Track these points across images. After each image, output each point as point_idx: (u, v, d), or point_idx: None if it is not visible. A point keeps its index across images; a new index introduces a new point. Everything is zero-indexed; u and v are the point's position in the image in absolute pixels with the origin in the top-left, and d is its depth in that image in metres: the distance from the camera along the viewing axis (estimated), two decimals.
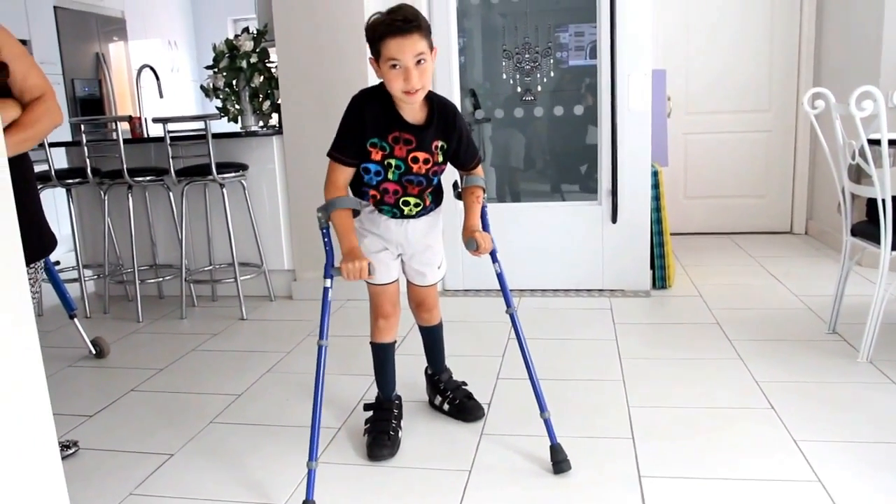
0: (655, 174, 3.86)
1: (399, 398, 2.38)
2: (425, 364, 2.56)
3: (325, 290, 2.03)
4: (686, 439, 2.26)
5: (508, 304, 2.17)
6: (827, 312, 3.21)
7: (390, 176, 2.06)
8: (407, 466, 2.17)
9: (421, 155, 2.05)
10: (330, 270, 2.02)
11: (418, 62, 1.88)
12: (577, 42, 3.95)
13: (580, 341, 3.22)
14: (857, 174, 2.98)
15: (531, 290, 4.01)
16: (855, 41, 4.37)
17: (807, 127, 5.07)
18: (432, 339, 2.47)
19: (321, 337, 2.00)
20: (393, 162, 2.04)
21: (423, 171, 2.07)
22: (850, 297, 3.28)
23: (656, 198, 3.88)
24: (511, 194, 4.24)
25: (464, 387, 2.50)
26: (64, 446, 2.31)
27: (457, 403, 2.45)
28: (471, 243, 2.07)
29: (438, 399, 2.50)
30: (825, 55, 4.89)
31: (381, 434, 2.25)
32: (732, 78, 5.20)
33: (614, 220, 3.85)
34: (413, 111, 2.00)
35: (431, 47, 1.92)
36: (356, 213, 2.09)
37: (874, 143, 2.69)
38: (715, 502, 1.90)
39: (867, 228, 2.90)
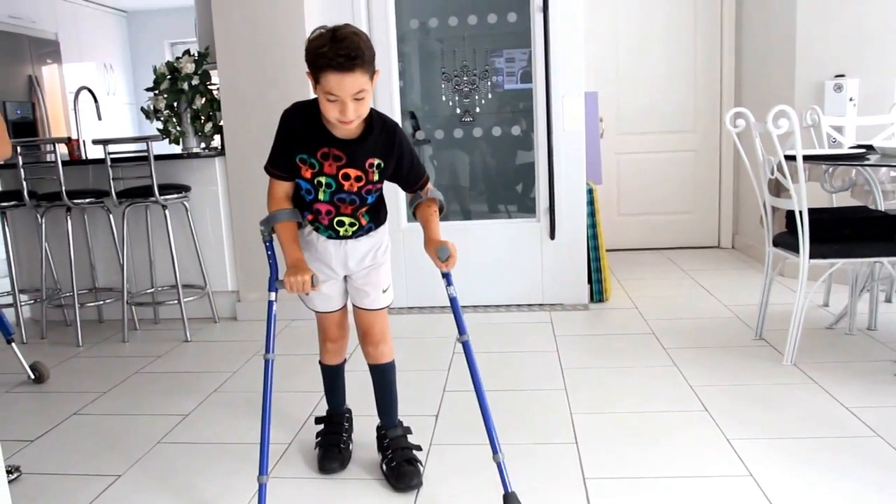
0: (590, 192, 4.01)
1: (349, 411, 2.40)
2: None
3: (270, 303, 2.01)
4: (626, 442, 2.36)
5: (462, 331, 2.01)
6: (753, 320, 3.39)
7: (321, 196, 1.98)
8: (358, 478, 2.21)
9: (352, 172, 1.94)
10: (274, 284, 2.00)
11: (357, 98, 1.80)
12: (509, 67, 4.10)
13: (523, 353, 3.31)
14: (777, 188, 3.17)
15: (473, 306, 4.10)
16: (771, 65, 4.64)
17: (730, 146, 5.33)
18: (381, 381, 2.24)
19: (267, 351, 1.99)
20: (323, 180, 1.95)
21: (355, 188, 1.97)
22: (774, 305, 3.47)
23: (592, 214, 4.03)
24: (452, 213, 4.33)
25: (413, 450, 2.21)
26: (6, 472, 2.27)
27: (393, 466, 2.15)
28: (443, 251, 1.95)
29: (380, 458, 2.24)
30: (745, 79, 5.17)
31: (331, 447, 2.28)
32: (660, 100, 5.43)
33: (552, 236, 3.98)
34: (348, 128, 1.89)
35: (374, 74, 1.83)
36: (301, 225, 2.06)
37: (790, 158, 2.88)
38: (655, 499, 2.00)
39: (787, 239, 3.09)
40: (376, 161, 1.97)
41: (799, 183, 2.88)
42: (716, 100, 5.38)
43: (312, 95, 1.90)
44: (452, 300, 2.05)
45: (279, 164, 1.98)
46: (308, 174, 1.95)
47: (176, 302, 3.83)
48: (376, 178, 1.99)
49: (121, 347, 3.73)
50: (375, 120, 1.94)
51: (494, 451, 1.95)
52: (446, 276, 2.03)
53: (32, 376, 3.19)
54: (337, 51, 1.73)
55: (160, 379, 3.20)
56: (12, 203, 3.82)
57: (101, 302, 4.11)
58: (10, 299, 3.97)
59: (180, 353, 3.58)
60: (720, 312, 3.77)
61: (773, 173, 3.04)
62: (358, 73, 1.76)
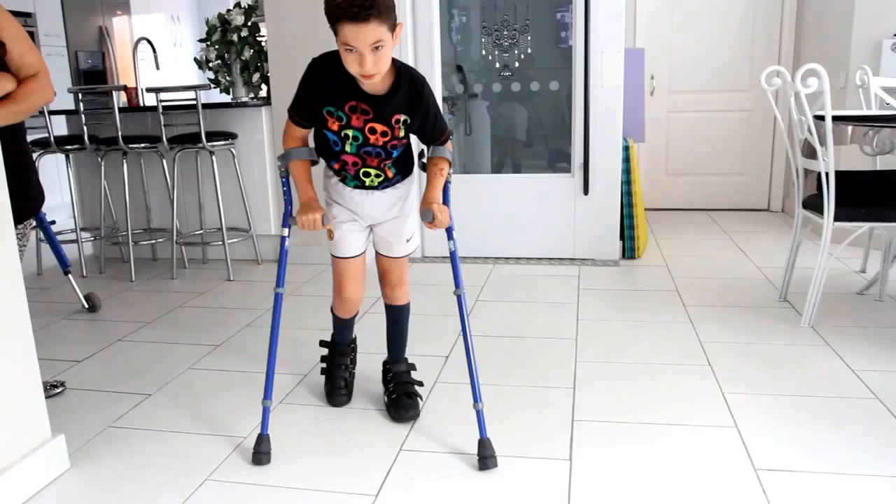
0: (627, 149, 4.01)
1: (354, 339, 2.49)
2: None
3: (283, 238, 2.08)
4: (621, 390, 2.43)
5: (458, 284, 2.07)
6: (782, 282, 3.37)
7: (347, 148, 2.01)
8: (362, 408, 2.36)
9: (378, 126, 1.97)
10: (287, 220, 2.07)
11: (375, 48, 1.78)
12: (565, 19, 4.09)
13: (543, 304, 3.39)
14: (811, 150, 3.12)
15: (505, 257, 4.18)
16: (830, 24, 4.48)
17: (786, 107, 5.17)
18: (393, 320, 2.35)
19: (278, 284, 2.10)
20: (350, 133, 1.98)
21: (381, 143, 2.00)
22: (805, 268, 3.44)
23: (627, 171, 4.03)
24: (488, 165, 4.40)
25: (414, 385, 2.35)
26: (52, 386, 2.52)
27: (393, 398, 2.30)
28: (427, 214, 1.99)
29: (383, 390, 2.40)
30: (805, 38, 5.00)
31: (337, 381, 2.41)
32: (714, 58, 5.32)
33: (586, 192, 4.01)
34: (372, 82, 1.89)
35: (394, 27, 1.80)
36: (315, 163, 2.11)
37: (820, 118, 2.83)
38: (635, 440, 2.08)
39: (815, 201, 3.05)
40: (402, 117, 1.99)
41: (827, 144, 2.83)
42: (773, 59, 5.23)
43: None
44: (452, 254, 2.11)
45: (303, 112, 2.02)
46: (335, 126, 1.99)
47: (221, 243, 4.05)
48: (402, 133, 2.02)
49: (169, 283, 3.98)
50: (403, 75, 1.95)
51: (475, 400, 2.05)
52: (448, 230, 2.07)
53: (86, 305, 3.46)
54: (352, 1, 1.73)
55: (200, 313, 3.43)
56: (75, 146, 4.09)
57: (155, 241, 4.38)
58: (73, 236, 4.28)
59: (222, 290, 3.81)
60: (750, 273, 3.75)
61: (804, 134, 2.99)
62: (374, 23, 1.74)
